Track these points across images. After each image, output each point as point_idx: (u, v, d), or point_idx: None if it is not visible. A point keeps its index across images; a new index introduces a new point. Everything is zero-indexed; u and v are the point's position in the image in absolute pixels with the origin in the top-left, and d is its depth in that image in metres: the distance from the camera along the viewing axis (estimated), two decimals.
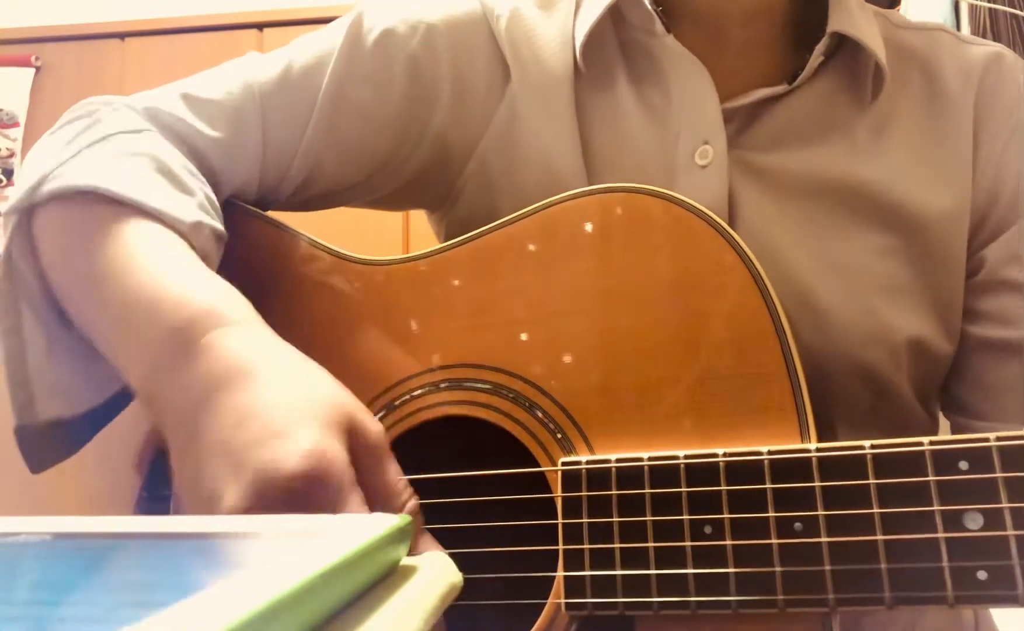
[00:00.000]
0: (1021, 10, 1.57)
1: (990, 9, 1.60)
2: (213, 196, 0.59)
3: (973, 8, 1.62)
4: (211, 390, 0.42)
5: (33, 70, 2.26)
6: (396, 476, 0.43)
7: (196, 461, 0.41)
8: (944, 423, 0.66)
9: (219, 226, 0.57)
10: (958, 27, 1.63)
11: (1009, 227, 0.60)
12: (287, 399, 0.41)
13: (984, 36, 1.59)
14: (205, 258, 0.53)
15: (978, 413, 0.61)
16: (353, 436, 0.42)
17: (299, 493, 0.37)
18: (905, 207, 0.59)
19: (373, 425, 0.43)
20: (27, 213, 0.55)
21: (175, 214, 0.52)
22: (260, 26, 2.24)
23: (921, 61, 0.63)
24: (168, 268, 0.49)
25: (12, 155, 2.25)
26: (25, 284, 0.55)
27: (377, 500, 0.42)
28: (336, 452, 0.39)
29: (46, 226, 0.54)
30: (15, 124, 2.25)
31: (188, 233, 0.52)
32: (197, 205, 0.55)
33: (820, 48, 0.60)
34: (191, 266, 0.50)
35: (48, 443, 0.56)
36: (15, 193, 0.55)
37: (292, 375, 0.43)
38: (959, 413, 0.63)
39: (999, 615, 0.65)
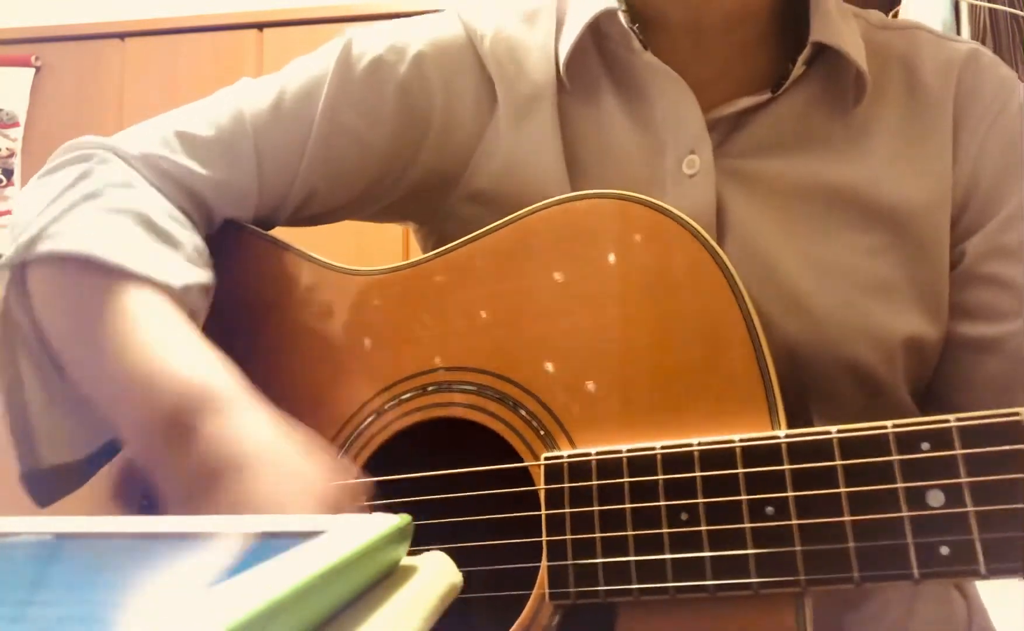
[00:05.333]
0: (1021, 10, 1.57)
1: (990, 9, 1.60)
2: (201, 242, 0.60)
3: (973, 8, 1.62)
4: (202, 483, 0.45)
5: (33, 70, 2.27)
6: None
7: None
8: None
9: (207, 277, 0.58)
10: (958, 27, 1.63)
11: (988, 221, 0.60)
12: (274, 499, 0.43)
13: (984, 36, 1.59)
14: (194, 314, 0.55)
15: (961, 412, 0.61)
16: None
17: None
18: (889, 205, 0.59)
19: (359, 499, 0.47)
20: (20, 268, 0.55)
21: (165, 279, 0.53)
22: (260, 26, 2.24)
23: (901, 60, 0.63)
24: (158, 348, 0.50)
25: (12, 155, 2.26)
26: (24, 338, 0.56)
27: None
28: None
29: (40, 286, 0.55)
30: (15, 124, 2.26)
31: (179, 296, 0.54)
32: (185, 258, 0.56)
33: (802, 59, 0.60)
34: (180, 341, 0.51)
35: (53, 483, 0.57)
36: (7, 245, 0.56)
37: (276, 469, 0.45)
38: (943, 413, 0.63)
39: (995, 613, 0.65)
